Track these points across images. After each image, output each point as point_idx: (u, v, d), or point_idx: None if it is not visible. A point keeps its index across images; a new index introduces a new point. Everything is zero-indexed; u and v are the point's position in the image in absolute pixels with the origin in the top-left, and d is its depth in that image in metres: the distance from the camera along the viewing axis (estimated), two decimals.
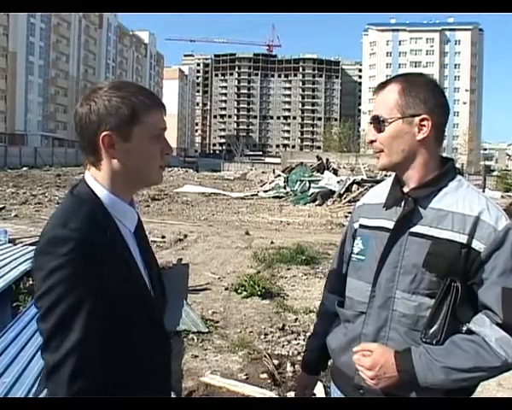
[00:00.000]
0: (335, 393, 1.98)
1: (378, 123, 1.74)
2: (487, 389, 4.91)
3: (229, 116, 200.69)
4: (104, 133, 1.44)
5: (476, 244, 1.63)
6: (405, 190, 1.79)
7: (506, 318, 1.58)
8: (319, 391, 4.55)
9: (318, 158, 31.73)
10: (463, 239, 1.64)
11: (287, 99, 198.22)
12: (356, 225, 1.95)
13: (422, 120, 1.71)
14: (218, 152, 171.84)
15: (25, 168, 43.47)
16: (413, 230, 1.71)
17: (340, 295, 1.98)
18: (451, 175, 1.77)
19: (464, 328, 1.65)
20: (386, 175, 18.00)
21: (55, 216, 1.45)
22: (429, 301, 1.66)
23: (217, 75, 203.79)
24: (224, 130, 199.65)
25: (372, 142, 1.78)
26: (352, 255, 1.90)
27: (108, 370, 1.38)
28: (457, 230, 1.65)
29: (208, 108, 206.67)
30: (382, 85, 1.79)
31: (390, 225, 1.76)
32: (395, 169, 1.80)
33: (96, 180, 1.50)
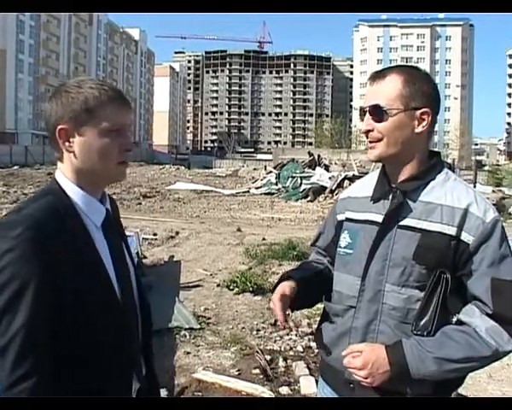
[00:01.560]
0: (325, 389, 1.96)
1: (379, 113, 1.71)
2: (478, 382, 4.94)
3: (221, 113, 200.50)
4: (60, 127, 1.48)
5: (465, 236, 1.65)
6: (393, 182, 1.78)
7: (496, 308, 1.60)
8: (310, 386, 4.56)
9: (310, 154, 31.74)
10: (452, 231, 1.65)
11: (278, 96, 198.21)
12: (340, 217, 1.95)
13: (423, 113, 1.72)
14: (209, 149, 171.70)
15: (15, 167, 43.20)
16: (402, 223, 1.71)
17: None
18: (439, 168, 1.79)
19: (454, 319, 1.67)
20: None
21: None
22: (419, 294, 1.67)
23: (208, 72, 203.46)
24: (215, 127, 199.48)
25: (369, 131, 1.75)
26: (339, 249, 1.89)
27: (58, 360, 1.36)
28: (446, 222, 1.66)
29: (199, 105, 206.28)
30: (381, 75, 1.75)
31: (378, 218, 1.76)
32: (388, 160, 1.78)
33: (64, 174, 1.53)
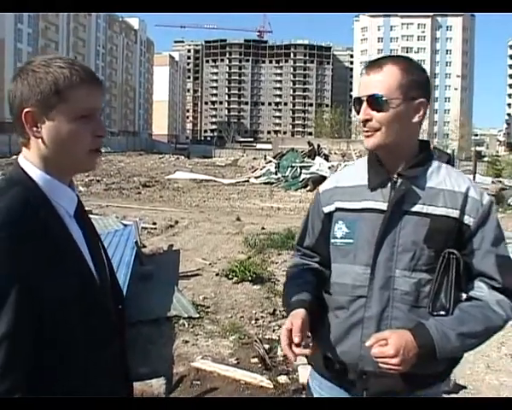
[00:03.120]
0: (323, 386, 1.92)
1: (378, 103, 1.71)
2: (476, 372, 4.97)
3: (221, 102, 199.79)
4: (26, 110, 1.33)
5: (466, 218, 1.72)
6: (390, 171, 1.79)
7: (504, 281, 1.71)
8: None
9: (309, 144, 31.72)
10: (456, 214, 1.72)
11: (278, 85, 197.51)
12: (328, 209, 1.91)
13: (420, 103, 1.75)
14: (209, 139, 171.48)
15: (15, 157, 43.06)
16: (408, 209, 1.74)
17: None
18: (432, 156, 1.84)
19: (464, 296, 1.73)
20: None
21: None
22: (427, 276, 1.72)
23: (207, 61, 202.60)
24: (215, 116, 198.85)
25: (367, 121, 1.74)
26: (335, 241, 1.85)
27: (43, 365, 1.27)
28: (451, 206, 1.72)
29: (199, 94, 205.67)
30: (377, 64, 1.75)
31: (381, 205, 1.76)
32: (386, 149, 1.78)
33: (28, 161, 1.39)
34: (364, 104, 1.74)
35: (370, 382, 1.75)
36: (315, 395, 1.98)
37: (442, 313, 1.69)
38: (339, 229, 1.85)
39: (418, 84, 1.74)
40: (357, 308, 1.78)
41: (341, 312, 1.83)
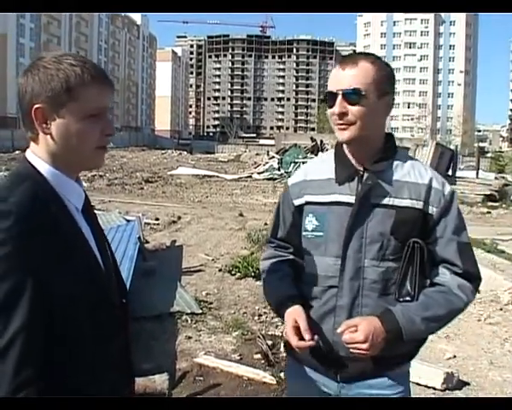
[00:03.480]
0: (299, 372, 1.99)
1: (355, 97, 1.77)
2: (479, 369, 4.96)
3: (223, 98, 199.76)
4: (36, 106, 1.33)
5: (430, 209, 1.82)
6: (358, 164, 1.87)
7: (465, 267, 1.82)
8: None
9: (312, 140, 31.73)
10: (420, 205, 1.82)
11: (281, 80, 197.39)
12: (298, 202, 1.97)
13: (390, 98, 1.85)
14: (211, 134, 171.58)
15: (17, 152, 43.14)
16: (375, 201, 1.82)
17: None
18: (396, 148, 1.93)
19: (427, 282, 1.85)
20: None
21: None
22: (394, 265, 1.82)
23: (210, 57, 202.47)
24: (217, 112, 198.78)
25: (343, 114, 1.79)
26: (306, 233, 1.93)
27: (53, 361, 1.26)
28: (415, 197, 1.82)
29: (202, 89, 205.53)
30: (352, 60, 1.81)
31: (348, 199, 1.84)
32: (358, 142, 1.84)
33: (37, 155, 1.39)
34: (340, 98, 1.79)
35: (343, 365, 1.85)
36: (292, 381, 2.12)
37: (408, 299, 1.80)
38: (309, 222, 1.92)
39: (389, 79, 1.84)
40: (330, 298, 1.87)
41: (314, 301, 1.91)
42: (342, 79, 1.80)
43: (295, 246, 2.00)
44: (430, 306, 1.79)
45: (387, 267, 1.81)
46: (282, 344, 1.93)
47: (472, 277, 1.84)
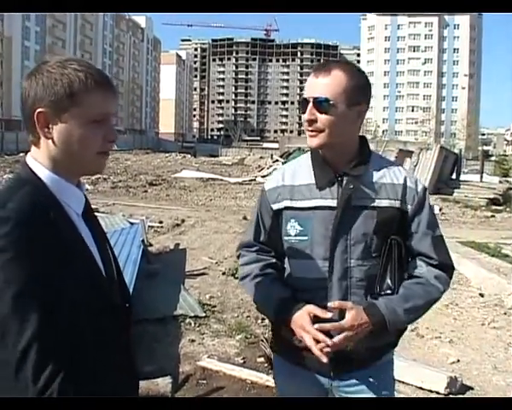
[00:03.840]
0: (289, 371, 2.06)
1: (324, 106, 1.81)
2: (483, 373, 4.95)
3: (227, 101, 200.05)
4: (38, 110, 1.33)
5: (406, 206, 1.92)
6: (336, 169, 1.92)
7: (439, 258, 1.93)
8: None
9: None
10: (398, 204, 1.91)
11: (285, 84, 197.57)
12: (276, 207, 1.99)
13: (362, 107, 1.89)
14: (215, 137, 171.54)
15: (22, 154, 43.22)
16: (357, 204, 1.89)
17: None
18: (370, 151, 2.01)
19: (406, 275, 1.94)
20: None
21: None
22: (378, 261, 1.91)
23: (214, 60, 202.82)
24: (221, 115, 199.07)
25: (312, 121, 1.84)
26: (289, 238, 1.96)
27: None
28: (393, 197, 1.91)
29: (206, 93, 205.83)
30: (326, 69, 1.84)
31: (330, 203, 1.90)
32: (330, 149, 1.90)
33: (37, 160, 1.38)
34: (310, 105, 1.84)
35: (336, 360, 1.87)
36: (282, 381, 2.18)
37: (388, 292, 1.89)
38: (292, 227, 1.95)
39: (361, 89, 1.88)
40: (320, 299, 1.90)
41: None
42: (314, 86, 1.84)
43: (277, 250, 2.04)
44: (410, 297, 1.89)
45: (371, 265, 1.90)
46: (269, 344, 1.98)
47: (446, 267, 1.96)
